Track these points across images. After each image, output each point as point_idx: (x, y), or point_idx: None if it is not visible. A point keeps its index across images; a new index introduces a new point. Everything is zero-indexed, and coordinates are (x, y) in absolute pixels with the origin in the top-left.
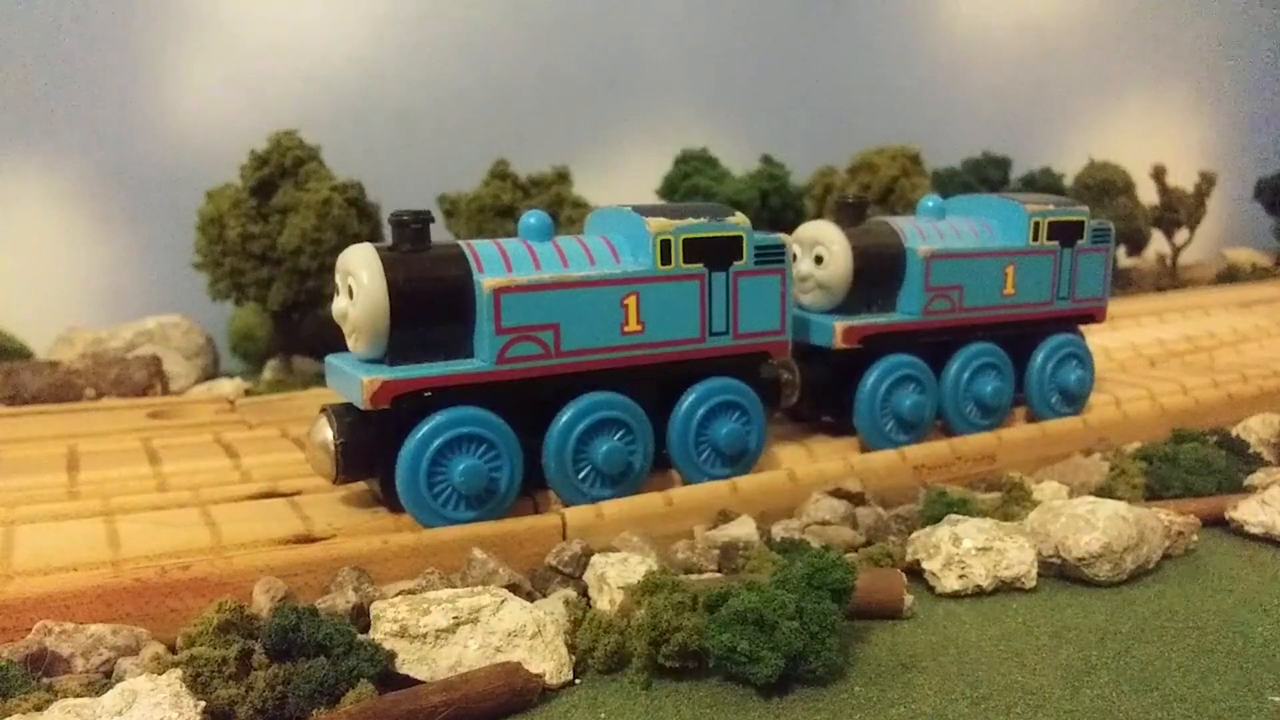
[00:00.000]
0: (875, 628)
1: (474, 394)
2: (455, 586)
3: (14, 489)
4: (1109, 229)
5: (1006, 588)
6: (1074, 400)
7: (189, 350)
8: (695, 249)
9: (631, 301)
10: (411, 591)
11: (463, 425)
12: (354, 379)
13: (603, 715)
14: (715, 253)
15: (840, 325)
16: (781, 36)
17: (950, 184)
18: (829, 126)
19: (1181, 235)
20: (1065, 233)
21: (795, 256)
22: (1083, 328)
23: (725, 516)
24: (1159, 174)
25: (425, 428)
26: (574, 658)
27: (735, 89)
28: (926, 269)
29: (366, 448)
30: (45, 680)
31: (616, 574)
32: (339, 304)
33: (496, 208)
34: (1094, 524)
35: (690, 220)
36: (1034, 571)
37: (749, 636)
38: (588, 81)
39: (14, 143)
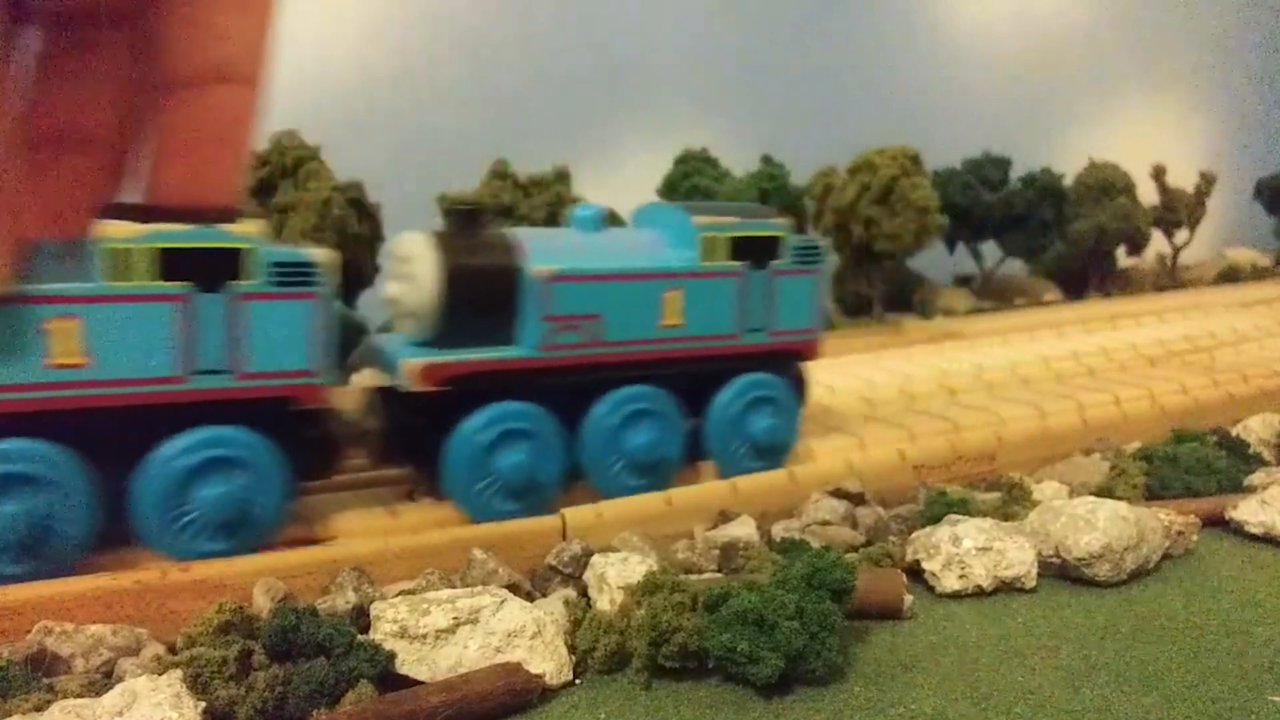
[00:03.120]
0: (875, 628)
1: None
2: (455, 587)
3: None
4: (818, 247)
5: (1006, 588)
6: (767, 454)
7: None
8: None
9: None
10: (411, 592)
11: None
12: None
13: (603, 715)
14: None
15: (416, 362)
16: (781, 37)
17: (950, 184)
18: (829, 126)
19: (1181, 235)
20: (754, 251)
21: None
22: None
23: (725, 516)
24: (1159, 174)
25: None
26: (574, 658)
27: (735, 89)
28: (546, 294)
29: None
30: (45, 680)
31: (616, 574)
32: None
33: (496, 207)
34: (1094, 524)
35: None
36: (1034, 571)
37: (749, 636)
38: (588, 81)
39: None
